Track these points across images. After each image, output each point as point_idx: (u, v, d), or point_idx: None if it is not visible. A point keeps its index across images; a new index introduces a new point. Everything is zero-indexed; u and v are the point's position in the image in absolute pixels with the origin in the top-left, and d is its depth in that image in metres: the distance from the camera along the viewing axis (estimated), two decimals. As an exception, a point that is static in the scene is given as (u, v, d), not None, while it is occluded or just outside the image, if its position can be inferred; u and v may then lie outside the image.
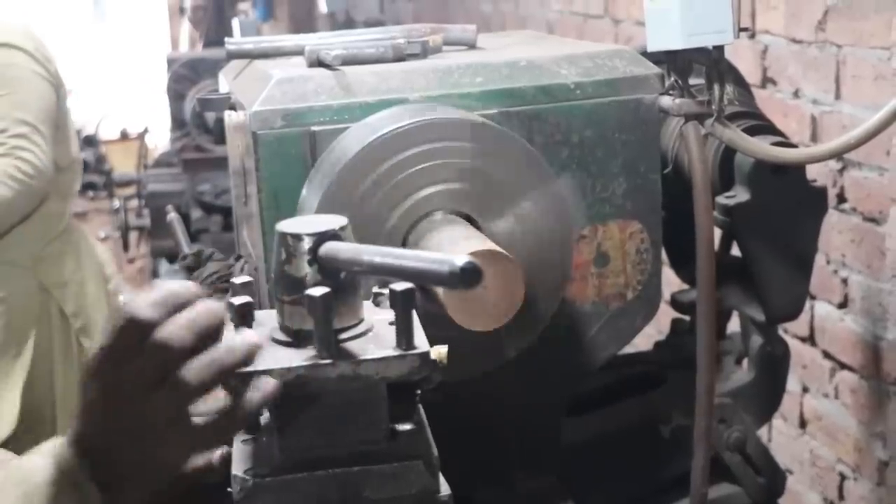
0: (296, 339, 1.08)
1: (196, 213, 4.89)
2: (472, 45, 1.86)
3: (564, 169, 1.65)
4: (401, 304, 1.06)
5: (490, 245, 1.38)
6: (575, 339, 1.73)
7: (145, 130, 6.87)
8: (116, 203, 6.15)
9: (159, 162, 5.98)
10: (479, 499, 1.72)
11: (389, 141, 1.49)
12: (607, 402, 2.00)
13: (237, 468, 1.09)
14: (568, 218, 1.59)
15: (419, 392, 1.14)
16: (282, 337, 1.09)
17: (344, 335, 1.07)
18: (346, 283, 1.07)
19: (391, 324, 1.09)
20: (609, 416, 1.97)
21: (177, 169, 5.33)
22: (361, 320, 1.10)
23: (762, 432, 2.22)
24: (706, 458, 1.76)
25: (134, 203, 6.05)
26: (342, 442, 1.09)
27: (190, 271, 1.79)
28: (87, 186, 7.37)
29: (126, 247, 5.75)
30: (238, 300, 1.08)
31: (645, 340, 2.33)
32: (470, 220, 1.51)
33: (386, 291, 1.14)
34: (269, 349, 1.07)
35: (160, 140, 7.76)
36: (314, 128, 1.56)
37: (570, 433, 1.85)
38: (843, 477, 2.51)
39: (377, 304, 1.16)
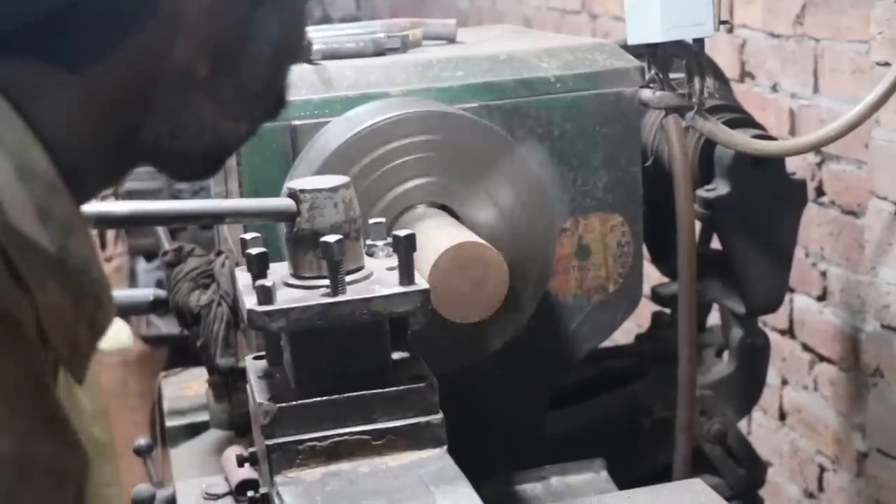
0: (306, 283, 1.19)
1: (174, 211, 4.87)
2: (451, 40, 1.87)
3: (545, 162, 1.65)
4: (403, 247, 1.18)
5: (473, 237, 1.38)
6: (557, 332, 1.73)
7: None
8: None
9: (135, 160, 5.95)
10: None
11: (371, 135, 1.49)
12: (589, 395, 2.00)
13: (260, 397, 1.19)
14: (550, 210, 1.59)
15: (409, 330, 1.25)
16: (294, 282, 1.20)
17: (350, 277, 1.18)
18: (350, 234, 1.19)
19: (388, 269, 1.22)
20: (591, 408, 1.98)
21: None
22: (363, 266, 1.22)
23: (742, 425, 2.22)
24: (688, 449, 1.77)
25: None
26: (351, 372, 1.21)
27: (171, 267, 1.79)
28: (63, 185, 7.32)
29: (103, 245, 5.70)
30: (255, 250, 1.18)
31: (624, 335, 2.34)
32: (452, 213, 1.51)
33: (380, 243, 1.27)
34: (285, 292, 1.18)
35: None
36: (295, 122, 1.56)
37: (553, 425, 1.85)
38: (822, 468, 2.52)
39: (371, 255, 1.26)
